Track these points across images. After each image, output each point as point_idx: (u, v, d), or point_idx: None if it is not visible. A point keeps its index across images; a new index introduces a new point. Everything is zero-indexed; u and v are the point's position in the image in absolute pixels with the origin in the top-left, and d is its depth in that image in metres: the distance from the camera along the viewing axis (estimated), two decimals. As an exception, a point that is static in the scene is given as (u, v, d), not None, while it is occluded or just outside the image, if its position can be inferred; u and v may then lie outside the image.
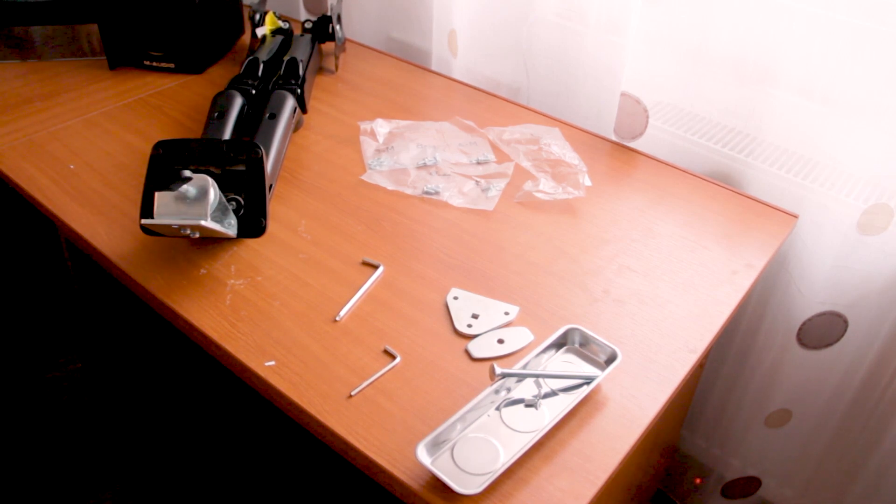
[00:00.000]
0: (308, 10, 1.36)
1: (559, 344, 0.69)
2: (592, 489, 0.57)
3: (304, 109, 1.03)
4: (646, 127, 0.98)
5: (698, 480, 1.23)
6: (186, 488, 1.21)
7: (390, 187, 0.92)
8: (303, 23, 1.18)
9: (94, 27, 1.16)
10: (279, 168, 0.91)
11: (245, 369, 0.67)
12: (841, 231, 0.89)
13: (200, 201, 0.70)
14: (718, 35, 0.93)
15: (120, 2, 1.11)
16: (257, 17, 1.16)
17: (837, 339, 0.96)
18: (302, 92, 1.01)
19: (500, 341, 0.70)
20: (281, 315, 0.72)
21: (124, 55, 1.17)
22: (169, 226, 0.69)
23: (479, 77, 1.20)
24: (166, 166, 0.77)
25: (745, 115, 0.96)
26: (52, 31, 1.17)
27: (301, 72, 1.03)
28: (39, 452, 1.25)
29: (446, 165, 0.95)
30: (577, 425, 0.62)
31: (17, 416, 1.30)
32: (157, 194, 0.70)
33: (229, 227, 0.75)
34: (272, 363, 0.67)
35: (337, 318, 0.72)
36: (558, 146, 0.97)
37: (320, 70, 1.19)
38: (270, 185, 0.83)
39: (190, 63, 1.16)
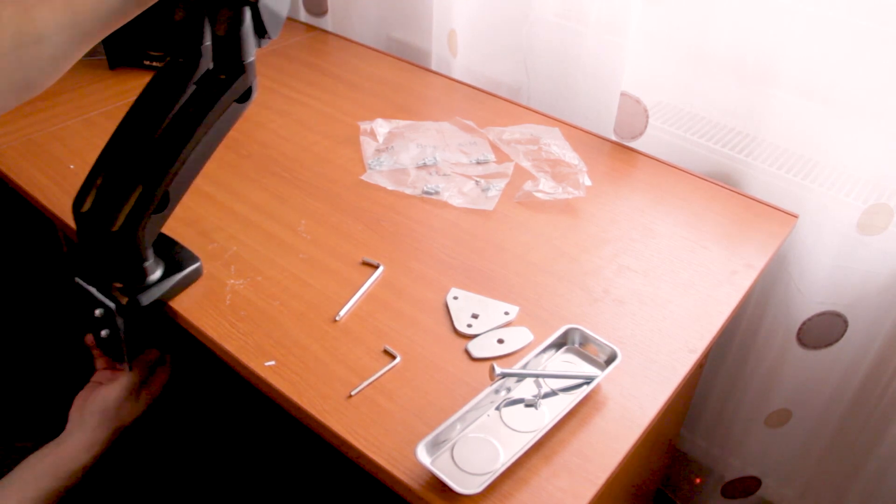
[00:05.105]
0: (308, 10, 1.36)
1: (559, 344, 0.69)
2: (592, 489, 0.57)
3: None
4: (646, 127, 0.98)
5: (698, 480, 1.23)
6: (186, 486, 1.21)
7: (390, 187, 0.92)
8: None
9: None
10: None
11: (245, 369, 0.67)
12: (841, 231, 0.89)
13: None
14: (718, 35, 0.93)
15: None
16: None
17: (837, 339, 0.96)
18: None
19: (500, 341, 0.70)
20: (281, 315, 0.72)
21: (124, 55, 1.17)
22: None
23: (479, 77, 1.20)
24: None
25: (745, 115, 0.96)
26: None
27: None
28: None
29: (446, 165, 0.95)
30: (576, 425, 0.62)
31: (17, 415, 1.30)
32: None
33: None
34: (272, 363, 0.67)
35: (337, 318, 0.72)
36: (558, 146, 0.97)
37: (319, 68, 1.19)
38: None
39: (190, 63, 1.16)
